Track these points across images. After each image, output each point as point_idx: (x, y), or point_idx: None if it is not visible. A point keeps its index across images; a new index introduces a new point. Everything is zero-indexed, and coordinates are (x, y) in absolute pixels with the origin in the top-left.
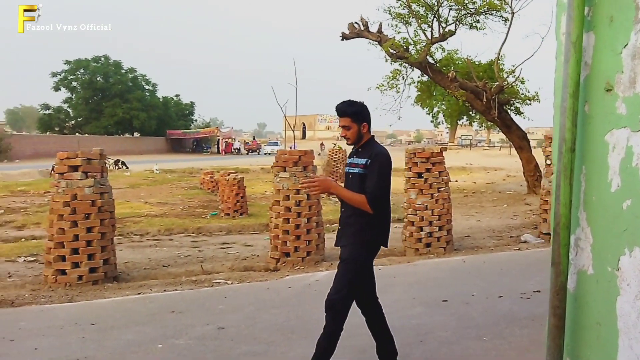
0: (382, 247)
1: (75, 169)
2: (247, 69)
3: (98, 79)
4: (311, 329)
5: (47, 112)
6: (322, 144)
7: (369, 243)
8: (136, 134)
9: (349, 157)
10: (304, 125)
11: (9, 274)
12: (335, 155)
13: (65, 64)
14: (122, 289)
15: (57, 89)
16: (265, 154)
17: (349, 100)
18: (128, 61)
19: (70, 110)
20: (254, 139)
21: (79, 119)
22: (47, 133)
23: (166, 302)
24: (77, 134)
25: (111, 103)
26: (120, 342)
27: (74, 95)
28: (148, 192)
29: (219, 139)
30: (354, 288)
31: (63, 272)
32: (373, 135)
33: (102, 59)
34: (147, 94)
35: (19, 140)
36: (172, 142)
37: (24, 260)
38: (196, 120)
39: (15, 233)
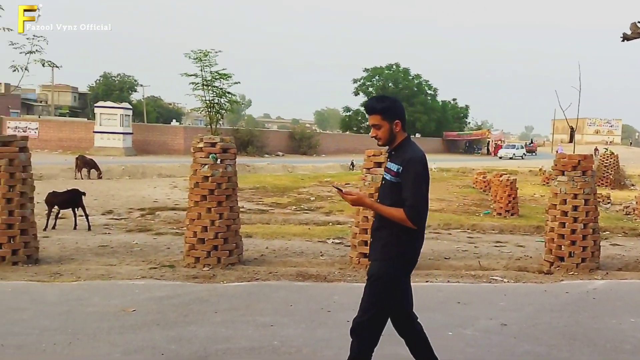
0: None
1: (379, 165)
2: (518, 72)
3: (390, 84)
4: (593, 338)
5: (347, 114)
6: (596, 149)
7: (396, 258)
8: (417, 135)
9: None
10: (572, 128)
11: (321, 253)
12: (607, 160)
13: (364, 71)
14: (412, 276)
15: (356, 93)
16: (499, 157)
17: (379, 95)
18: (416, 67)
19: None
20: (531, 141)
21: None
22: (347, 132)
23: (451, 292)
24: (369, 134)
25: None
26: None
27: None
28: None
29: (489, 141)
30: (383, 310)
31: (364, 255)
32: (409, 135)
33: (394, 66)
34: (428, 98)
35: (324, 138)
36: (447, 143)
37: (332, 242)
38: (469, 122)
39: (324, 217)
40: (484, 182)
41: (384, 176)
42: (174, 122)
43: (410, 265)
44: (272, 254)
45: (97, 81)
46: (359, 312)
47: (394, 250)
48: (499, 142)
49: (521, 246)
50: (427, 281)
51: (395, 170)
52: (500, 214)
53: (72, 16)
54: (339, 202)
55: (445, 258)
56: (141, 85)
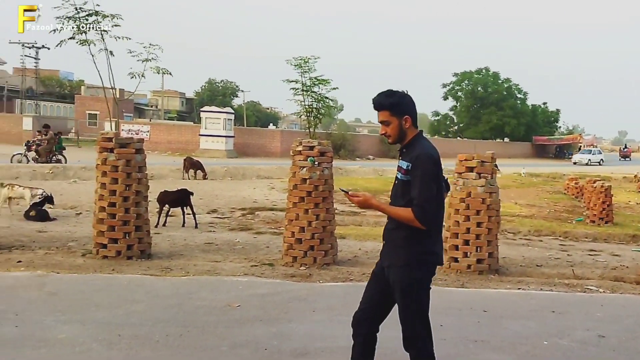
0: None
1: (471, 169)
2: (612, 75)
3: (479, 89)
4: None
5: (436, 118)
6: None
7: (416, 262)
8: (506, 139)
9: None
10: None
11: None
12: None
13: (453, 75)
14: (503, 282)
15: (445, 98)
16: (574, 163)
17: (388, 90)
18: (506, 71)
19: (454, 117)
20: (625, 146)
21: (460, 125)
22: (435, 136)
23: (545, 300)
24: (457, 138)
25: (488, 111)
26: (509, 332)
27: (458, 103)
28: (517, 194)
29: (580, 146)
30: (425, 316)
31: (455, 260)
32: (421, 131)
33: (484, 70)
34: (518, 102)
35: None
36: (536, 147)
37: None
38: (560, 127)
39: None
40: (576, 188)
41: (396, 175)
42: (270, 126)
43: (433, 266)
44: (364, 255)
45: (203, 87)
46: (402, 327)
47: (412, 254)
48: (591, 147)
49: (617, 255)
50: (519, 288)
51: (405, 167)
52: (593, 222)
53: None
54: None
55: (537, 265)
56: (242, 91)
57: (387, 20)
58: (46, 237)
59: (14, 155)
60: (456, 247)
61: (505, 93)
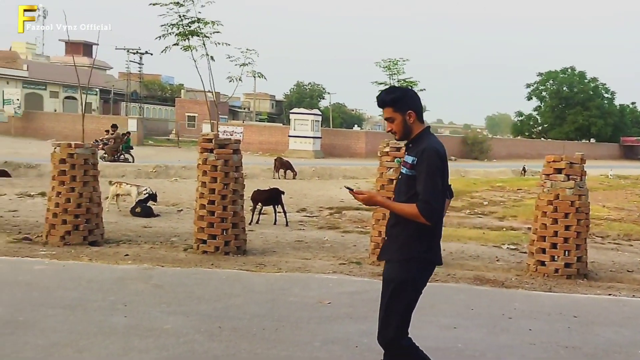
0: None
1: (559, 171)
2: None
3: (564, 88)
4: None
5: (519, 119)
6: None
7: (417, 260)
8: (592, 140)
9: None
10: None
11: (496, 258)
12: None
13: (537, 75)
14: (593, 287)
15: (529, 98)
16: None
17: (390, 86)
18: (593, 71)
19: (538, 117)
20: None
21: (544, 125)
22: (518, 137)
23: (639, 308)
24: (541, 138)
25: (573, 111)
26: (602, 339)
27: (542, 103)
28: (604, 196)
29: None
30: (406, 318)
31: (542, 263)
32: (428, 127)
33: (569, 70)
34: (605, 102)
35: (495, 143)
36: (624, 148)
37: (507, 248)
38: None
39: (497, 223)
40: None
41: (401, 170)
42: (355, 127)
43: (431, 265)
44: (449, 257)
45: (291, 90)
46: (381, 326)
47: (412, 251)
48: None
49: None
50: (609, 294)
51: (410, 162)
52: None
53: (72, 16)
54: (511, 208)
55: (628, 271)
56: (328, 93)
57: (471, 20)
58: (151, 232)
59: None
60: (543, 250)
61: (591, 93)
